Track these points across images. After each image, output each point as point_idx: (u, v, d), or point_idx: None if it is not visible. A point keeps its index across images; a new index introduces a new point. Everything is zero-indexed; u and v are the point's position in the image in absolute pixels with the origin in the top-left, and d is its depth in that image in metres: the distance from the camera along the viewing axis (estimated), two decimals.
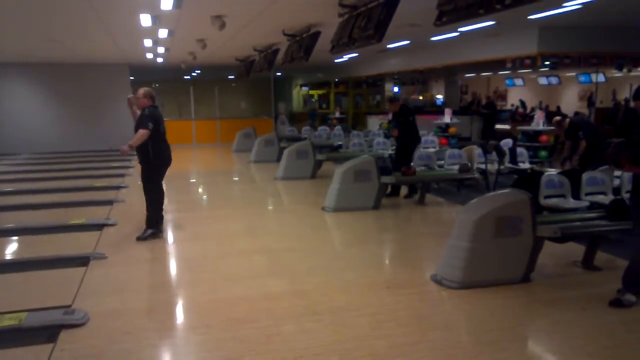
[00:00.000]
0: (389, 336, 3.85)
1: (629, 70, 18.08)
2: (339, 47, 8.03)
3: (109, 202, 8.77)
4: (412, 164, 8.74)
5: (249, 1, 7.85)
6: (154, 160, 6.88)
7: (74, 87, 17.32)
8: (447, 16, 5.41)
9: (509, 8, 4.61)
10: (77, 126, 17.38)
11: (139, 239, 6.67)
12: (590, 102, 22.70)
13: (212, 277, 5.30)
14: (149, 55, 15.12)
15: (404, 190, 9.04)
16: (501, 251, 4.77)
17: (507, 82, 26.64)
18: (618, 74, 19.47)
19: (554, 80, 23.25)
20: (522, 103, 24.27)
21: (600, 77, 18.52)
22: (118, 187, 10.22)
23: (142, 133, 6.60)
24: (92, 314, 4.24)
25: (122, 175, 11.71)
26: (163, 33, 10.58)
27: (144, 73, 20.10)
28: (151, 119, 6.66)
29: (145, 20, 8.88)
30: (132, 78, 18.45)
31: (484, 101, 27.08)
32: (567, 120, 8.63)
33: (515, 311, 4.34)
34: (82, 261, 5.63)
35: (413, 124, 8.91)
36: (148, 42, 12.03)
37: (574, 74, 21.01)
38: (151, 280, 5.25)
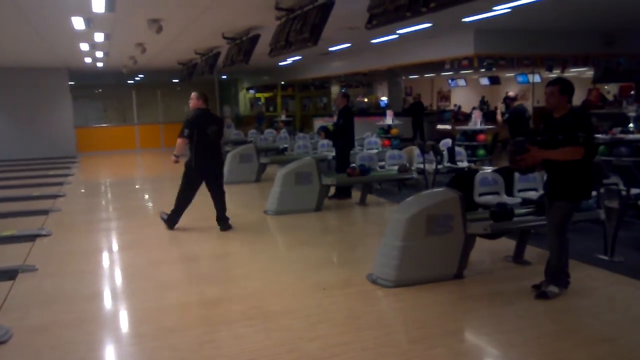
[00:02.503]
0: (321, 337, 3.87)
1: (561, 71, 18.87)
2: (276, 50, 8.05)
3: (45, 212, 8.46)
4: (353, 164, 8.83)
5: (185, 4, 7.77)
6: (195, 166, 6.97)
7: (9, 92, 16.61)
8: (377, 19, 5.51)
9: (434, 11, 4.73)
10: (14, 133, 16.68)
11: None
12: (506, 103, 23.54)
13: (147, 285, 5.19)
14: (88, 60, 14.72)
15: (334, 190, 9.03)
16: (433, 249, 4.87)
17: (450, 82, 27.32)
18: (554, 74, 20.29)
19: (494, 80, 23.98)
20: (483, 101, 24.91)
21: (537, 78, 19.25)
22: (55, 196, 9.88)
23: (178, 142, 6.88)
24: (16, 330, 4.07)
25: (60, 184, 11.33)
26: (99, 37, 10.34)
27: (85, 78, 19.55)
28: (189, 125, 6.81)
29: (78, 23, 8.65)
30: (72, 83, 17.92)
31: (430, 102, 27.70)
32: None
33: (447, 307, 4.44)
34: (9, 275, 5.39)
35: (344, 127, 8.96)
36: (84, 46, 11.72)
37: (513, 74, 21.75)
38: (83, 291, 5.08)
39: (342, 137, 8.98)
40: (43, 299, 4.86)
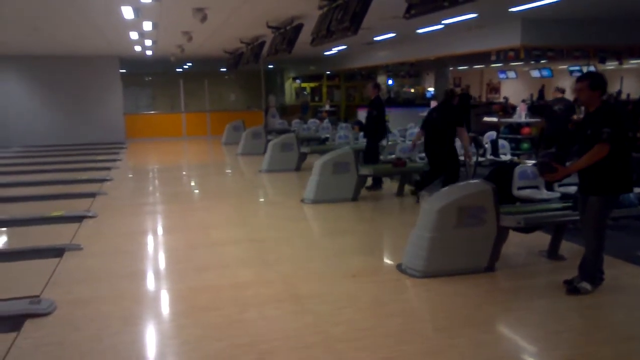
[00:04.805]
0: (346, 322, 3.95)
1: (620, 63, 18.14)
2: (318, 39, 8.10)
3: (92, 195, 8.83)
4: (399, 156, 8.86)
5: None
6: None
7: (64, 80, 17.29)
8: (415, 8, 5.49)
9: (472, 1, 4.68)
10: (67, 119, 17.40)
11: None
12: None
13: (183, 267, 5.39)
14: (138, 48, 15.14)
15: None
16: (464, 241, 4.85)
17: (500, 74, 26.70)
18: (610, 66, 19.53)
19: (545, 72, 23.26)
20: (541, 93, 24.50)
21: (591, 70, 18.62)
22: (103, 180, 10.29)
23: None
24: (60, 303, 4.32)
25: (108, 169, 11.78)
26: (147, 25, 10.63)
27: (135, 66, 20.12)
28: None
29: (128, 12, 8.92)
30: (123, 71, 18.49)
31: (479, 94, 27.19)
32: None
33: (474, 299, 4.42)
34: (57, 252, 5.69)
35: (377, 118, 9.06)
36: (134, 35, 12.07)
37: (565, 66, 21.06)
38: (124, 270, 5.31)
39: (375, 127, 9.06)
40: (86, 276, 5.12)
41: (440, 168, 7.89)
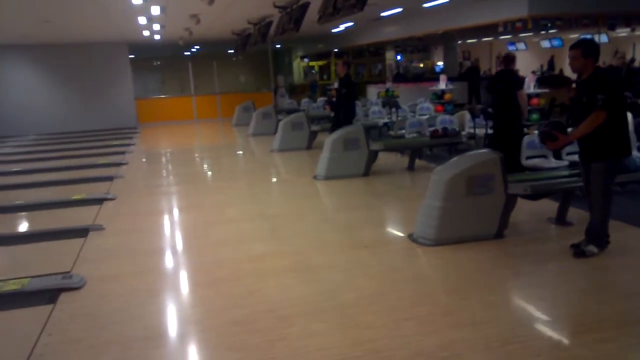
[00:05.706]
0: (359, 288, 4.14)
1: (632, 29, 17.94)
2: (325, 17, 8.21)
3: (110, 178, 9.07)
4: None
5: None
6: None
7: (75, 67, 17.58)
8: None
9: None
10: (80, 106, 17.71)
11: None
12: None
13: (202, 243, 5.61)
14: (146, 33, 15.26)
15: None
16: (473, 209, 4.99)
17: (509, 46, 26.43)
18: (622, 33, 19.31)
19: (556, 42, 22.99)
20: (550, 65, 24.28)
21: (604, 38, 18.39)
22: (119, 164, 10.53)
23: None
24: (89, 279, 4.55)
25: (122, 153, 12.03)
26: (155, 10, 10.74)
27: (144, 51, 20.23)
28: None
29: None
30: (132, 56, 18.64)
31: (488, 67, 27.01)
32: None
33: (484, 264, 4.59)
34: (82, 233, 5.94)
35: (347, 96, 9.21)
36: (142, 20, 12.19)
37: (576, 35, 20.83)
38: (145, 247, 5.54)
39: (345, 106, 9.19)
40: (110, 253, 5.37)
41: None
